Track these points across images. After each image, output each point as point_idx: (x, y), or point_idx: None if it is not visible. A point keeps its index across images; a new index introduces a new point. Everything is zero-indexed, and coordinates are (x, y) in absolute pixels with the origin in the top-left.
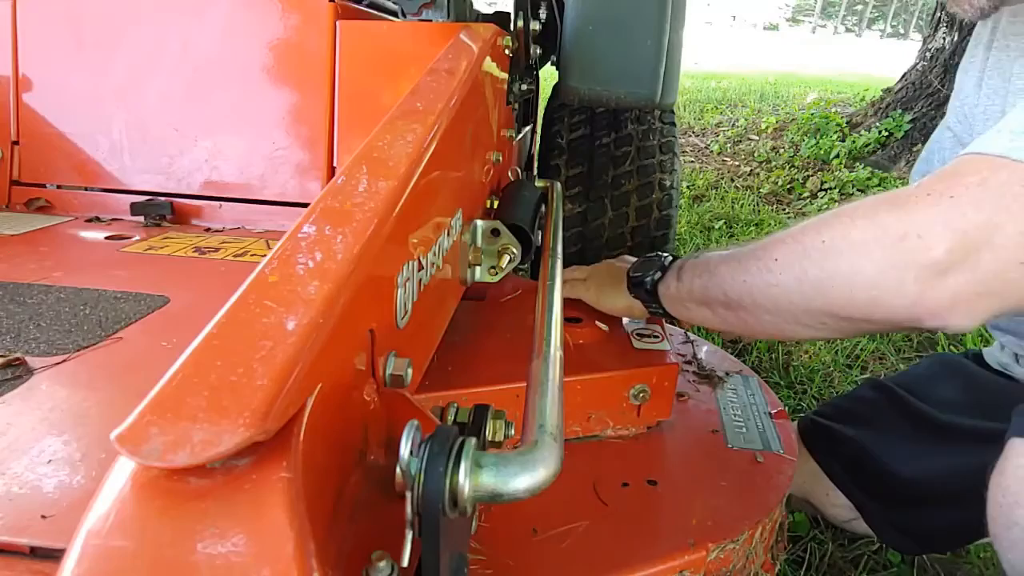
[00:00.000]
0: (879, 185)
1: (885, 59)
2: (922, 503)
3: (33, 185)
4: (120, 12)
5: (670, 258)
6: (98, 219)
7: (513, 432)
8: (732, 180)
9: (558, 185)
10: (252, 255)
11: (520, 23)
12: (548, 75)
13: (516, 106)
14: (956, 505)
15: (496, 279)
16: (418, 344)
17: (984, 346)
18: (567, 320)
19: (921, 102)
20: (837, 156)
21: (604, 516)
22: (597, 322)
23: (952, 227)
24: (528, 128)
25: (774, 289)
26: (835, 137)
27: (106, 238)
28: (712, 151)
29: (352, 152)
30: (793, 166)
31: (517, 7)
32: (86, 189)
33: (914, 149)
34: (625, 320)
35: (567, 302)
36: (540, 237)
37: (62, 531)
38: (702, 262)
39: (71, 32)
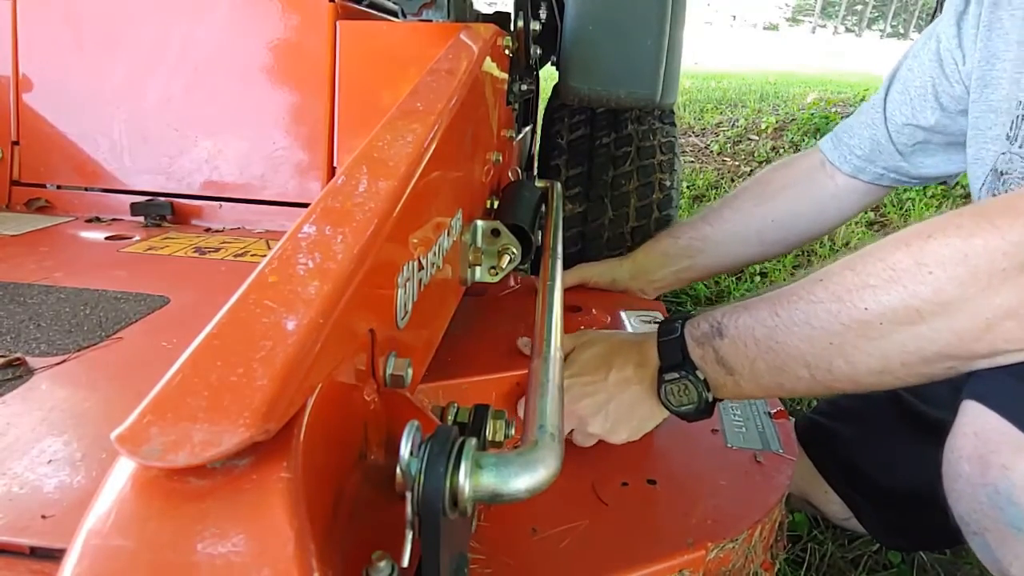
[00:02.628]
0: None
1: (885, 59)
2: (914, 504)
3: (33, 185)
4: (120, 12)
5: (677, 329)
6: (98, 219)
7: (513, 432)
8: (732, 180)
9: (558, 185)
10: (252, 255)
11: (520, 23)
12: (548, 75)
13: (516, 106)
14: (946, 507)
15: (496, 279)
16: (418, 344)
17: None
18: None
19: None
20: None
21: (604, 515)
22: (594, 310)
23: None
24: (528, 128)
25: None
26: None
27: (106, 238)
28: (712, 151)
29: (352, 152)
30: None
31: (517, 7)
32: (86, 189)
33: None
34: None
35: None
36: (540, 237)
37: (62, 531)
38: (741, 322)
39: (71, 32)
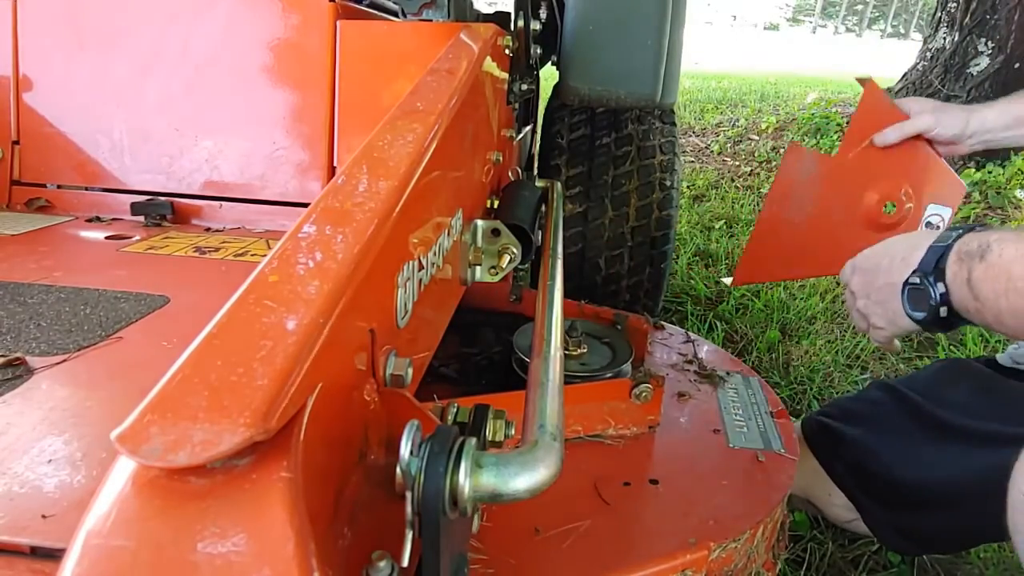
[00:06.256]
0: None
1: (885, 59)
2: (924, 506)
3: (33, 185)
4: (120, 12)
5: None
6: (98, 219)
7: (513, 432)
8: (732, 180)
9: (558, 185)
10: (252, 255)
11: (520, 23)
12: (548, 75)
13: (516, 106)
14: (958, 509)
15: (496, 279)
16: (418, 344)
17: (986, 346)
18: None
19: None
20: None
21: (606, 515)
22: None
23: None
24: (528, 128)
25: None
26: (835, 137)
27: (106, 238)
28: (712, 151)
29: (352, 152)
30: None
31: (517, 7)
32: (86, 189)
33: None
34: None
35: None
36: (540, 237)
37: (62, 531)
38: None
39: (71, 32)
